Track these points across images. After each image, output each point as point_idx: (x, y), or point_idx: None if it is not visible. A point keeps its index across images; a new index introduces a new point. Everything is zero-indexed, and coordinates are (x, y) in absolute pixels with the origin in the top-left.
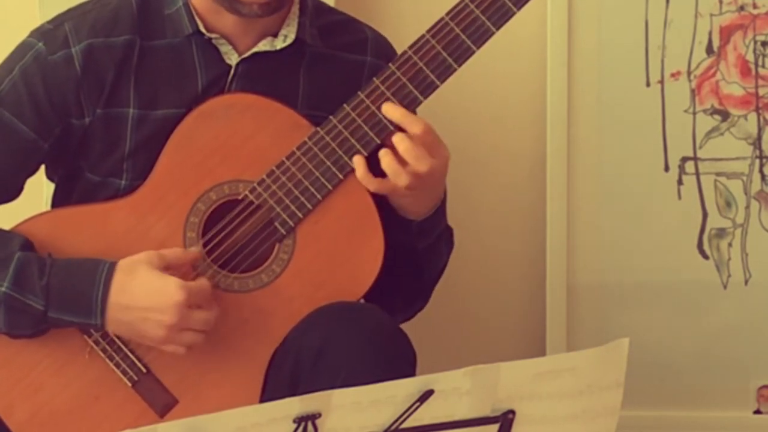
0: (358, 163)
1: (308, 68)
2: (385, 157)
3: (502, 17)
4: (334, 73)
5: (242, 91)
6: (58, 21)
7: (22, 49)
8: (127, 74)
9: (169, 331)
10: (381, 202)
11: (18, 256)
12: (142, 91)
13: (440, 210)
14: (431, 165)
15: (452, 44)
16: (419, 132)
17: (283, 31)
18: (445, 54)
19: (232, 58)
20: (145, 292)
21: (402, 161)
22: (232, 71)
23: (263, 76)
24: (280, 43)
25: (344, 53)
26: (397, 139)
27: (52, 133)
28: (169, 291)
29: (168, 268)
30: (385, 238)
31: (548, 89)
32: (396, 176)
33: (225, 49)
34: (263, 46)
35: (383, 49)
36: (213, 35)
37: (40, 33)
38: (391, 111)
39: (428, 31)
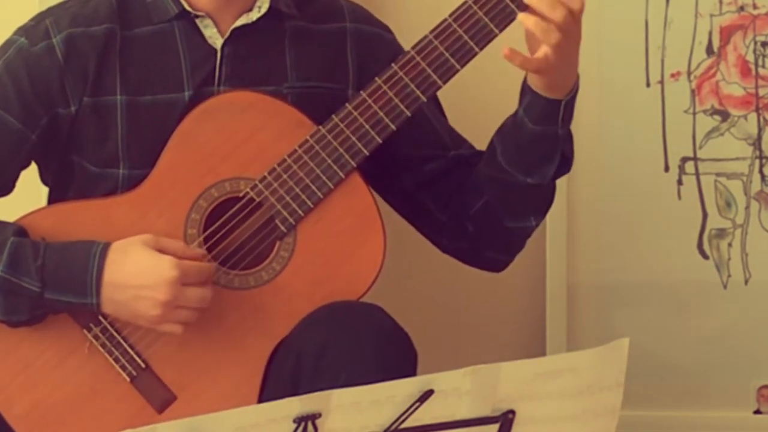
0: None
1: (292, 42)
2: (528, 19)
3: (504, 19)
4: (317, 43)
5: (233, 73)
6: (39, 18)
7: (6, 46)
8: (110, 62)
9: (163, 308)
10: (435, 148)
11: (12, 240)
12: (128, 78)
13: (576, 88)
14: (565, 14)
15: (455, 45)
16: None
17: (257, 3)
18: (447, 55)
19: (217, 42)
20: (138, 270)
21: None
22: (219, 54)
23: (250, 54)
24: (255, 14)
25: (323, 24)
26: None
27: (38, 124)
28: (162, 268)
29: (163, 251)
30: (384, 238)
31: None
32: (547, 35)
33: (209, 32)
34: (240, 21)
35: (359, 13)
36: (199, 13)
37: (22, 30)
38: None
39: (431, 32)
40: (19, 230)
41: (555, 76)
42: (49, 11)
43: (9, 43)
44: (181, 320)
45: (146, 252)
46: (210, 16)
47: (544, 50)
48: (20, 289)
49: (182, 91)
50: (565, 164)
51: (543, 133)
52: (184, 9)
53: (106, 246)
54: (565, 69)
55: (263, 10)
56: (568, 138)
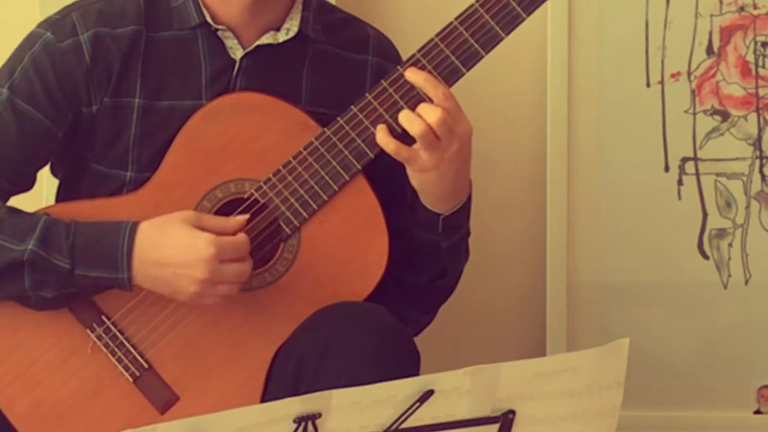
0: (380, 127)
1: (312, 65)
2: (402, 113)
3: (511, 22)
4: (337, 71)
5: (248, 86)
6: (65, 11)
7: (31, 39)
8: (134, 64)
9: (201, 286)
10: (397, 204)
11: (45, 219)
12: (148, 81)
13: (465, 208)
14: (442, 114)
15: (461, 48)
16: (439, 94)
17: (285, 25)
18: (453, 57)
19: (237, 53)
20: (176, 248)
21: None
22: (237, 65)
23: (268, 70)
24: (282, 36)
25: (347, 52)
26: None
27: (65, 120)
28: (199, 246)
29: (204, 228)
30: (390, 241)
31: (548, 89)
32: (411, 124)
33: (230, 43)
34: (266, 39)
35: (385, 48)
36: (219, 26)
37: (48, 23)
38: (414, 75)
39: (437, 35)
40: (48, 214)
41: (436, 185)
42: (75, 5)
43: (34, 36)
44: (220, 295)
45: (184, 229)
46: (231, 29)
47: (416, 144)
48: (50, 265)
49: (200, 99)
50: (442, 276)
51: (424, 239)
52: (205, 20)
53: (136, 223)
54: (447, 183)
55: (291, 34)
56: (454, 255)
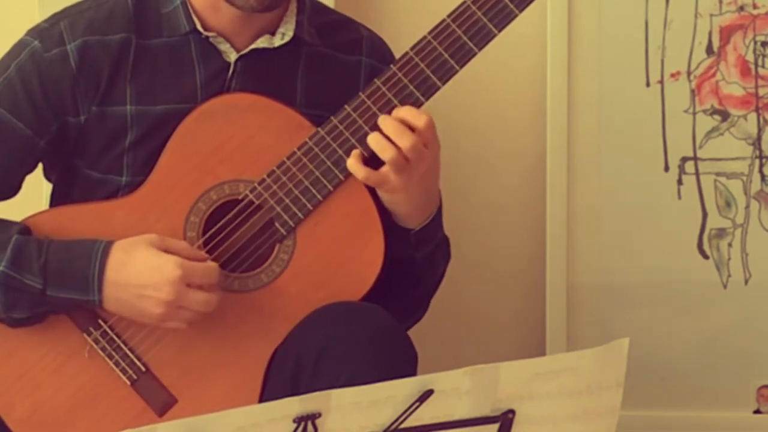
0: (353, 153)
1: (306, 67)
2: (372, 136)
3: (503, 19)
4: (331, 72)
5: (242, 88)
6: (54, 20)
7: (18, 47)
8: (123, 72)
9: (166, 307)
10: (381, 212)
11: (16, 237)
12: (139, 88)
13: (436, 219)
14: (415, 141)
15: (454, 46)
16: (421, 125)
17: (281, 29)
18: (446, 55)
19: (231, 56)
20: (143, 270)
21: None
22: (231, 68)
23: (262, 73)
24: (278, 41)
25: (341, 53)
26: (381, 119)
27: (48, 131)
28: (165, 268)
29: (168, 251)
30: (385, 241)
31: (548, 89)
32: (382, 150)
33: (223, 47)
34: (261, 43)
35: (378, 49)
36: (210, 34)
37: (35, 31)
38: (385, 122)
39: (430, 33)
40: (23, 229)
41: (404, 204)
42: (64, 12)
43: (22, 44)
44: (185, 320)
45: (151, 251)
46: (224, 35)
47: (385, 167)
48: (22, 285)
49: (194, 102)
50: (417, 284)
51: (398, 251)
52: (195, 28)
53: (109, 244)
54: (415, 201)
55: (287, 39)
56: (428, 264)
